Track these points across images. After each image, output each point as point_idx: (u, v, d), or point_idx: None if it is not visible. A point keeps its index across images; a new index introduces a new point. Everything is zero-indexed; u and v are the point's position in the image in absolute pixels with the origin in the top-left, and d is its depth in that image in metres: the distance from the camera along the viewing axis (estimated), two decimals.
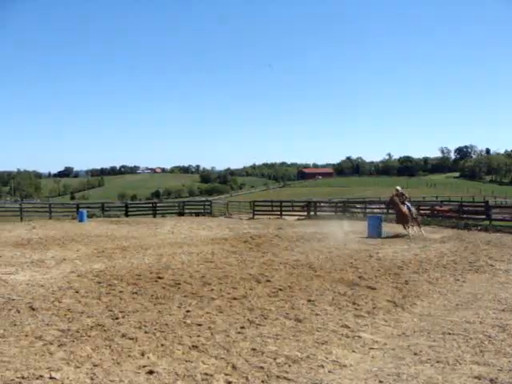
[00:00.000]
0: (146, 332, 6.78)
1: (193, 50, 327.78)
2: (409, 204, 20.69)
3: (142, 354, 5.86)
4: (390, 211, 23.24)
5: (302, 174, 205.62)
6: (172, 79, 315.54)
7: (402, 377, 5.06)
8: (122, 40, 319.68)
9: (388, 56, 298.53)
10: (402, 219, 19.97)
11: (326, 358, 5.77)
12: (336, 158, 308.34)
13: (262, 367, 5.45)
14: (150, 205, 43.58)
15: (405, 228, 19.85)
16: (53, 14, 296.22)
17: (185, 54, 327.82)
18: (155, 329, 6.93)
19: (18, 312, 7.89)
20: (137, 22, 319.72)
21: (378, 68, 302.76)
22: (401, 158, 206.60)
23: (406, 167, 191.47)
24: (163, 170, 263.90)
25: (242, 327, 7.02)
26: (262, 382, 5.08)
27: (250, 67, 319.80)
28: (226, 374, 5.26)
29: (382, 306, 8.35)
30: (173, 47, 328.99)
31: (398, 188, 20.95)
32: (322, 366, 5.50)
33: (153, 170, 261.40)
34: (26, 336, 6.61)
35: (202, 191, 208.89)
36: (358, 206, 34.23)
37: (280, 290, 9.58)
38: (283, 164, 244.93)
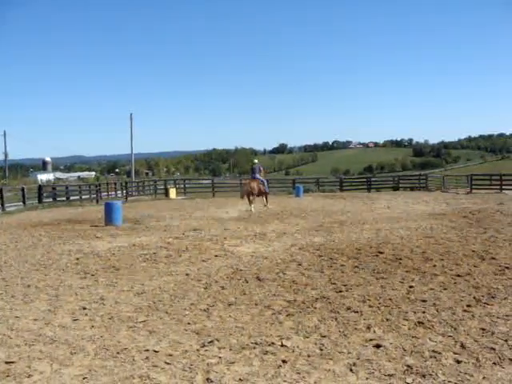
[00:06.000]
0: (370, 306, 6.82)
1: None
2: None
3: (368, 328, 5.91)
4: None
5: None
6: None
7: None
8: None
9: None
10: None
11: None
12: None
13: (492, 348, 5.17)
14: (364, 179, 44.36)
15: None
16: None
17: None
18: (379, 303, 6.94)
19: (247, 282, 8.45)
20: None
21: None
22: None
23: None
24: (376, 145, 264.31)
25: (469, 305, 6.71)
26: (494, 363, 4.81)
27: None
28: (455, 353, 5.08)
29: None
30: None
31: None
32: None
33: (365, 145, 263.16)
34: (256, 305, 7.07)
35: (415, 165, 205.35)
36: None
37: (507, 268, 8.96)
38: (501, 135, 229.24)
